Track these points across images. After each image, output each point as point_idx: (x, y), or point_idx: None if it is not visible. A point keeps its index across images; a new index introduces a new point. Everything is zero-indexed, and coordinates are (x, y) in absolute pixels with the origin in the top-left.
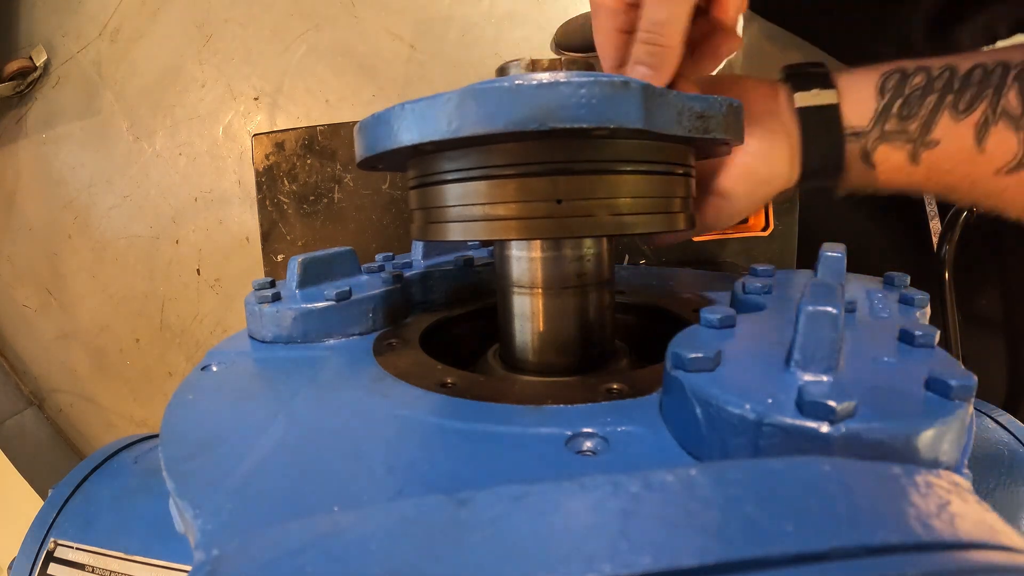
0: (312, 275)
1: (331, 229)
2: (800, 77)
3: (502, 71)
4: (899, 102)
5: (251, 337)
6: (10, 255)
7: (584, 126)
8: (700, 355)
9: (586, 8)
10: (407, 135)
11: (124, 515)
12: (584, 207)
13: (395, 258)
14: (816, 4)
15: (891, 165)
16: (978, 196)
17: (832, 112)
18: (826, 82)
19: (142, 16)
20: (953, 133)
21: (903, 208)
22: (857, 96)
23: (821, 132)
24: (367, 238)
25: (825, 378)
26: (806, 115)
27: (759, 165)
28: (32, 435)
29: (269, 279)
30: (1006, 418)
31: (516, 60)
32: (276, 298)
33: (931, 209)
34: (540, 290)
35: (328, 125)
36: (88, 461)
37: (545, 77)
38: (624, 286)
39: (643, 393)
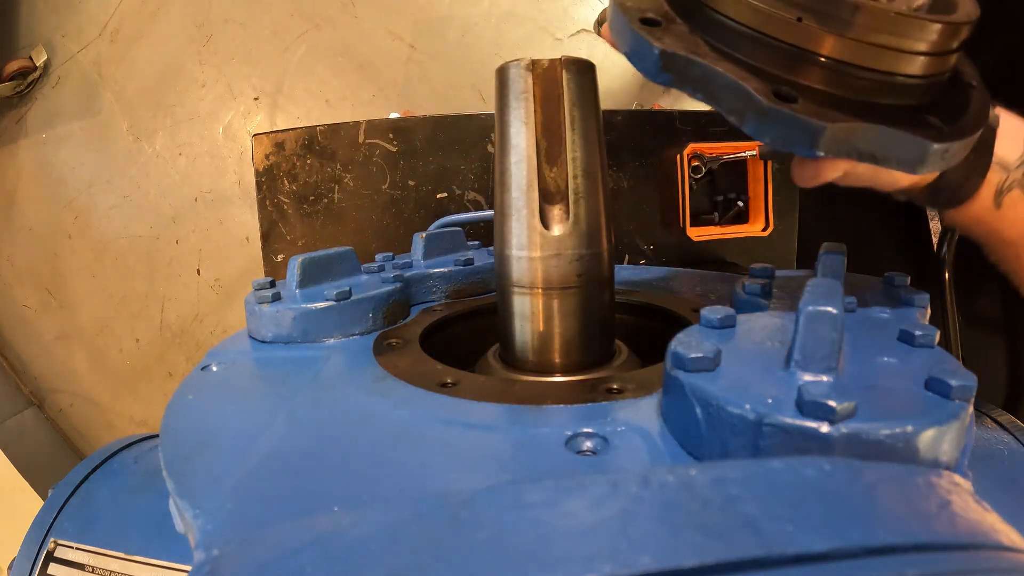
0: (312, 275)
1: (331, 229)
2: None
3: (502, 71)
4: None
5: (251, 337)
6: (10, 255)
7: None
8: (700, 355)
9: (588, 6)
10: None
11: (124, 515)
12: None
13: (395, 258)
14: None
15: (1016, 214)
16: None
17: (991, 133)
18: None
19: (142, 16)
20: None
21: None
22: (1009, 131)
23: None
24: (367, 238)
25: (825, 378)
26: None
27: None
28: (32, 435)
29: (269, 279)
30: (1006, 418)
31: (516, 60)
32: (276, 298)
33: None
34: (540, 290)
35: (328, 125)
36: (88, 461)
37: None
38: (624, 286)
39: (643, 393)
